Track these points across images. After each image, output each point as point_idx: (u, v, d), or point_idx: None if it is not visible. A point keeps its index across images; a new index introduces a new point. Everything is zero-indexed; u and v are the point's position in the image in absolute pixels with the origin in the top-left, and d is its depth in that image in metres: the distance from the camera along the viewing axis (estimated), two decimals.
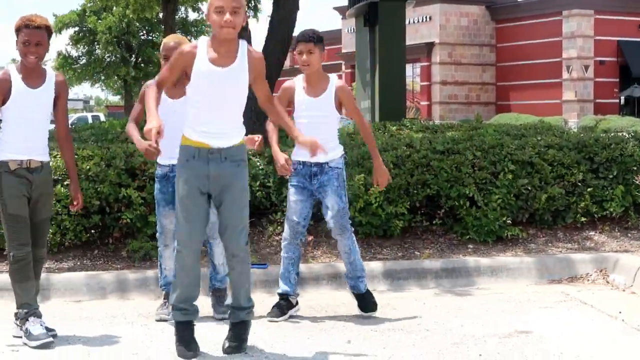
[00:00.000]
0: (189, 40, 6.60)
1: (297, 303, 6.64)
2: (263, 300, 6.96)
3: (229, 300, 5.74)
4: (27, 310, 5.83)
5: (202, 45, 5.32)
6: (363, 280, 6.61)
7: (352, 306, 6.72)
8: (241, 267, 5.49)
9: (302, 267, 7.69)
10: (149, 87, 5.44)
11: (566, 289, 7.55)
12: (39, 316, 5.86)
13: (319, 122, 6.39)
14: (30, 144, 5.82)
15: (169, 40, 6.48)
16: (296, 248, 6.57)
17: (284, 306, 6.52)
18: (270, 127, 6.60)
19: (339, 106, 6.49)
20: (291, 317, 6.50)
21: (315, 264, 7.87)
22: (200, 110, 5.30)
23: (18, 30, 5.80)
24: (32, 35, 5.78)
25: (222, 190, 5.36)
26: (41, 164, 5.89)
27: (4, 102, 5.77)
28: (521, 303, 6.99)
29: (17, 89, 5.77)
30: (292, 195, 6.52)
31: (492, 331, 6.01)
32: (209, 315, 6.49)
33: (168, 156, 6.16)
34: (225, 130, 5.34)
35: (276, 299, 6.62)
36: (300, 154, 6.42)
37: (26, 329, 5.78)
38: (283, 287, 6.58)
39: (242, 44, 5.40)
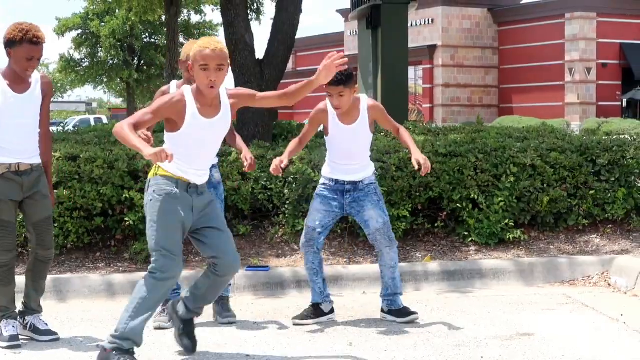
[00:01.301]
0: None
1: (331, 311, 6.56)
2: (264, 304, 6.98)
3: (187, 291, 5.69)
4: (4, 313, 5.89)
5: (189, 96, 5.24)
6: (400, 296, 6.54)
7: (353, 309, 6.73)
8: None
9: (302, 270, 7.71)
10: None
11: (568, 291, 7.56)
12: (14, 318, 5.91)
13: (353, 147, 6.38)
14: (19, 147, 5.81)
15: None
16: (314, 255, 6.47)
17: (312, 312, 6.47)
18: (293, 142, 6.61)
19: (372, 125, 6.45)
20: (319, 323, 6.42)
21: (302, 268, 7.84)
22: (185, 153, 5.23)
23: (18, 42, 5.70)
24: (37, 51, 5.76)
25: (207, 220, 5.41)
26: (31, 166, 5.87)
27: None
28: (523, 305, 6.99)
29: (4, 95, 5.75)
30: (317, 204, 6.45)
31: (494, 333, 6.02)
32: (211, 321, 6.50)
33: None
34: (205, 169, 5.42)
35: (275, 302, 6.63)
36: (334, 173, 6.42)
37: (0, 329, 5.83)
38: (312, 297, 6.56)
39: (222, 91, 5.38)
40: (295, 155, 6.99)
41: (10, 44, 5.74)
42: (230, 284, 6.56)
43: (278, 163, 6.22)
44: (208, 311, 6.49)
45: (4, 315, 5.86)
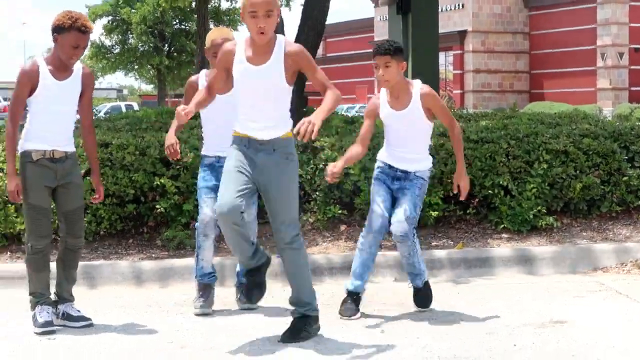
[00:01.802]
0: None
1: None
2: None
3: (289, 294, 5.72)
4: (38, 299, 5.92)
5: (241, 44, 5.41)
6: (422, 276, 6.43)
7: (385, 296, 6.73)
8: (295, 256, 5.53)
9: (334, 257, 7.71)
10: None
11: (601, 278, 7.51)
12: (49, 304, 5.95)
13: (406, 135, 6.24)
14: (54, 135, 5.86)
15: (216, 37, 6.43)
16: (378, 243, 6.38)
17: (355, 302, 6.33)
18: (353, 147, 6.49)
19: (429, 113, 6.23)
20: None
21: (334, 255, 7.85)
22: (242, 106, 5.40)
23: (66, 29, 5.75)
24: (84, 40, 5.84)
25: (269, 182, 5.40)
26: (65, 154, 5.92)
27: (31, 93, 5.81)
28: (555, 293, 6.95)
29: (44, 81, 5.80)
30: (377, 190, 6.33)
31: (526, 321, 5.99)
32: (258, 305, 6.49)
33: (214, 148, 6.33)
34: (268, 123, 5.37)
35: (321, 287, 6.58)
36: (389, 158, 6.31)
37: (34, 314, 5.89)
38: (354, 283, 6.36)
39: (279, 40, 5.40)
40: (355, 161, 6.86)
41: (58, 30, 5.79)
42: None
43: (332, 169, 6.11)
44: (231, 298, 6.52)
45: (39, 301, 5.90)
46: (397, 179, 6.29)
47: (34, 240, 5.83)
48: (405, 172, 6.28)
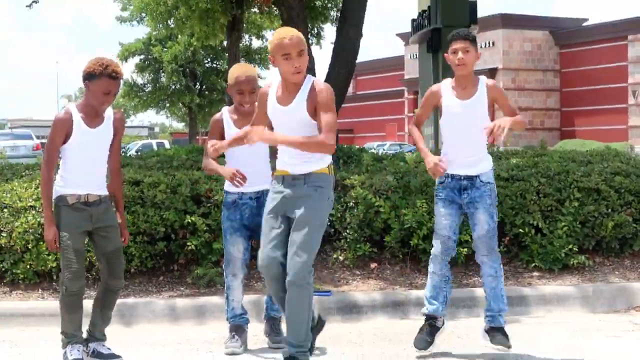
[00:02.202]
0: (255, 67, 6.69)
1: (443, 323, 6.36)
2: (326, 329, 6.95)
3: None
4: (70, 339, 5.94)
5: (275, 83, 5.53)
6: (503, 314, 6.26)
7: (413, 334, 6.70)
8: (296, 294, 5.34)
9: (365, 295, 7.68)
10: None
11: (634, 318, 7.44)
12: (80, 343, 5.96)
13: (470, 127, 6.12)
14: (88, 179, 5.92)
15: (240, 73, 6.42)
16: (447, 265, 6.29)
17: (430, 332, 6.24)
18: (414, 130, 6.51)
19: (491, 107, 6.20)
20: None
21: (361, 293, 7.83)
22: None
23: (97, 76, 5.80)
24: (115, 86, 5.88)
25: (294, 211, 5.41)
26: (99, 197, 5.97)
27: (65, 141, 5.86)
28: (588, 332, 6.89)
29: (78, 128, 5.86)
30: (441, 210, 6.23)
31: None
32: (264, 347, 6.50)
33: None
34: (302, 158, 5.41)
35: (345, 327, 6.55)
36: (450, 167, 6.16)
37: (64, 352, 5.91)
38: (431, 306, 6.28)
39: (308, 80, 5.45)
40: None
41: (89, 77, 5.84)
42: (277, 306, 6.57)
43: (436, 162, 6.13)
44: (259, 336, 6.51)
45: (70, 341, 5.92)
46: (463, 189, 6.16)
47: (70, 282, 5.86)
48: (470, 179, 6.14)
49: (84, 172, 5.90)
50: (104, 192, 6.02)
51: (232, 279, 6.38)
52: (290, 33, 5.35)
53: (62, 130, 5.84)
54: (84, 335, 6.07)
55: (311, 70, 11.07)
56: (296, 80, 5.37)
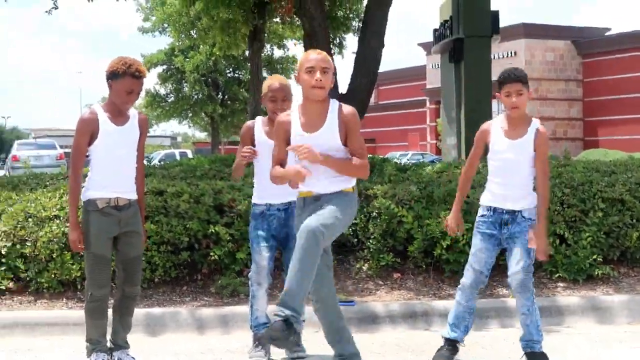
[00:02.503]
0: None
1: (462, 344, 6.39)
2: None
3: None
4: (95, 346, 5.95)
5: (295, 111, 5.49)
6: (539, 343, 6.14)
7: (436, 345, 6.68)
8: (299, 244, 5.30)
9: (389, 305, 7.67)
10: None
11: None
12: (105, 351, 5.97)
13: (513, 166, 6.07)
14: (117, 181, 5.90)
15: (274, 81, 6.45)
16: (475, 296, 6.28)
17: (452, 352, 6.27)
18: (461, 181, 6.52)
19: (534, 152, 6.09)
20: None
21: (389, 302, 7.82)
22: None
23: (121, 75, 5.83)
24: (138, 85, 5.89)
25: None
26: (129, 201, 5.96)
27: (91, 142, 5.87)
28: (612, 343, 6.86)
29: (104, 127, 5.85)
30: (478, 243, 6.19)
31: None
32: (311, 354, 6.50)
33: (265, 197, 6.31)
34: (326, 179, 5.42)
35: (367, 338, 6.54)
36: (492, 200, 6.16)
37: None
38: (452, 333, 6.28)
39: (333, 104, 5.45)
40: (467, 192, 6.74)
41: (112, 76, 5.87)
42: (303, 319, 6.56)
43: (452, 227, 6.40)
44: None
45: (95, 349, 5.93)
46: (504, 224, 6.11)
47: (94, 289, 5.87)
48: (512, 214, 6.09)
49: (112, 173, 5.88)
50: (134, 196, 6.01)
51: (257, 288, 6.38)
52: (317, 50, 5.44)
53: (87, 130, 5.83)
54: (108, 344, 6.09)
55: (333, 81, 11.08)
56: (316, 96, 5.33)
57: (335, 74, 10.71)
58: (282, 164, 5.54)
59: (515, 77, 6.05)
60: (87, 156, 5.94)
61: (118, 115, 5.93)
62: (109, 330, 6.11)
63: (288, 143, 5.48)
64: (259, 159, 6.31)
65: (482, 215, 6.22)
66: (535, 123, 6.12)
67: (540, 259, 6.12)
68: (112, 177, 5.88)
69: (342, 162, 5.40)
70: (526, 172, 6.08)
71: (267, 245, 6.31)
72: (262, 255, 6.31)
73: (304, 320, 5.47)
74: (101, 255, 5.85)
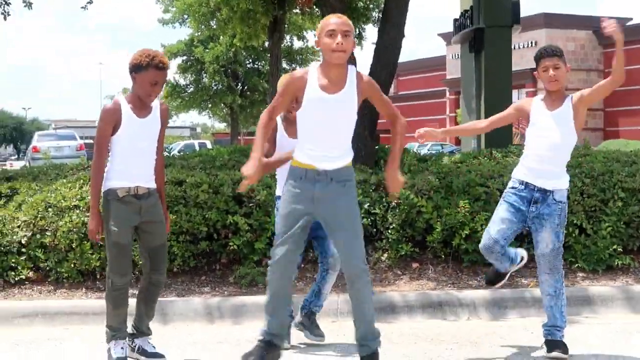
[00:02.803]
0: (294, 70, 6.66)
1: (522, 259, 6.44)
2: None
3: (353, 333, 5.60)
4: (115, 332, 5.94)
5: (313, 72, 5.37)
6: (561, 330, 6.09)
7: (458, 335, 6.66)
8: (360, 290, 5.34)
9: (408, 294, 7.66)
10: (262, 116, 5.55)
11: None
12: (124, 338, 5.98)
13: (553, 138, 6.03)
14: (138, 171, 5.92)
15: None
16: (503, 249, 6.16)
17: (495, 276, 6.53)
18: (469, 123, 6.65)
19: (577, 121, 6.09)
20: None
21: (409, 292, 7.81)
22: (309, 134, 5.34)
23: (144, 67, 5.83)
24: (162, 76, 5.89)
25: (330, 213, 5.34)
26: (148, 190, 5.97)
27: (114, 132, 5.89)
28: (632, 334, 6.83)
29: (127, 118, 5.86)
30: (502, 213, 6.13)
31: None
32: (327, 343, 6.51)
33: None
34: (333, 153, 5.34)
35: (386, 327, 6.54)
36: (526, 174, 6.09)
37: (108, 348, 5.93)
38: (500, 266, 6.38)
39: (351, 69, 5.39)
40: (470, 133, 6.84)
41: (136, 69, 5.88)
42: (321, 303, 6.63)
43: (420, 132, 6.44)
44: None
45: (115, 335, 5.95)
46: (534, 202, 6.06)
47: (116, 277, 5.89)
48: (543, 192, 6.04)
49: (133, 164, 5.90)
50: (153, 185, 6.02)
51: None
52: (338, 15, 5.37)
53: (111, 120, 5.84)
54: (130, 330, 6.12)
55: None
56: (336, 59, 5.25)
57: (354, 64, 10.69)
58: (274, 116, 5.48)
59: (550, 52, 6.10)
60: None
61: (141, 107, 5.94)
62: (131, 318, 6.13)
63: (293, 101, 5.43)
64: (281, 153, 6.30)
65: (512, 187, 6.17)
66: (572, 96, 6.14)
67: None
68: (132, 168, 5.90)
69: (398, 153, 5.57)
70: (565, 148, 6.07)
71: None
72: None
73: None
74: (122, 244, 5.86)
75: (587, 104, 6.14)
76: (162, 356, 6.07)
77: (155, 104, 6.04)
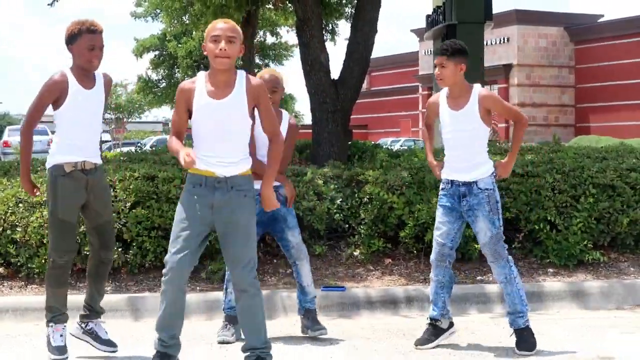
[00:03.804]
0: (266, 66, 6.67)
1: (450, 325, 6.36)
2: (340, 324, 6.97)
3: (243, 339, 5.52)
4: (54, 314, 5.90)
5: (201, 79, 5.31)
6: (524, 315, 6.13)
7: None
8: (251, 302, 5.27)
9: (378, 291, 7.68)
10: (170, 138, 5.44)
11: None
12: (64, 321, 5.93)
13: (462, 136, 6.12)
14: (84, 145, 5.86)
15: (264, 73, 6.59)
16: (445, 270, 6.28)
17: (432, 333, 6.30)
18: (425, 135, 6.67)
19: (486, 116, 6.12)
20: (439, 345, 6.30)
21: (373, 289, 7.83)
22: (203, 141, 5.27)
23: (77, 34, 5.80)
24: (97, 40, 5.84)
25: (226, 223, 5.26)
26: (95, 165, 5.91)
27: (59, 104, 5.79)
28: (603, 328, 6.87)
29: (74, 90, 5.80)
30: (440, 217, 6.25)
31: (574, 356, 5.93)
32: (299, 336, 6.52)
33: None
34: (227, 159, 5.24)
35: (357, 323, 6.56)
36: (450, 173, 6.21)
37: (48, 336, 5.89)
38: (431, 311, 6.36)
39: (240, 74, 5.32)
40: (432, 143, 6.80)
41: (70, 39, 5.85)
42: (315, 299, 6.68)
43: (438, 174, 6.40)
44: (289, 328, 6.51)
45: (54, 316, 5.89)
46: (463, 196, 6.15)
47: (58, 255, 5.83)
48: (468, 185, 6.12)
49: (80, 137, 5.83)
50: (99, 160, 5.97)
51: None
52: (225, 20, 5.32)
53: (56, 90, 5.77)
54: (82, 312, 6.08)
55: (326, 67, 11.04)
56: (219, 65, 5.18)
57: (327, 60, 10.67)
58: (180, 133, 5.39)
59: (439, 51, 6.16)
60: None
61: (85, 78, 5.87)
62: (81, 298, 6.08)
63: (189, 111, 5.31)
64: (257, 147, 6.32)
65: (442, 189, 6.31)
66: (476, 90, 6.14)
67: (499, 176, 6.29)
68: (79, 141, 5.83)
69: (273, 173, 5.38)
70: (475, 140, 6.14)
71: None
72: None
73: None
74: (68, 221, 5.80)
75: (491, 109, 6.19)
76: (114, 345, 6.05)
77: (99, 74, 5.98)
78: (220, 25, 5.24)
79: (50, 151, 5.89)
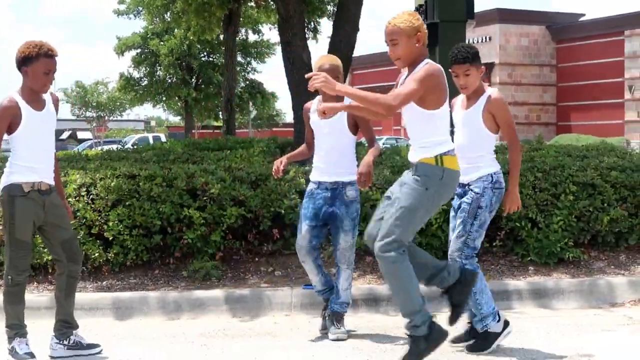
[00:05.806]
0: (248, 64, 6.71)
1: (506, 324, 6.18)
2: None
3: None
4: (16, 330, 5.94)
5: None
6: (485, 319, 6.06)
7: (387, 327, 6.68)
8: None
9: (361, 289, 7.68)
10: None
11: (629, 312, 7.44)
12: (25, 335, 5.96)
13: (460, 140, 6.05)
14: (40, 166, 5.90)
15: (324, 62, 6.62)
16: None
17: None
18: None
19: (490, 121, 6.05)
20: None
21: (356, 287, 7.84)
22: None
23: (34, 57, 5.78)
24: (53, 65, 5.87)
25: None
26: (49, 187, 5.97)
27: (13, 129, 5.81)
28: (583, 326, 6.90)
29: (26, 114, 5.82)
30: (452, 220, 6.18)
31: (553, 355, 5.95)
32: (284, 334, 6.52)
33: (316, 175, 6.58)
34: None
35: (344, 319, 6.60)
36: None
37: (12, 347, 5.91)
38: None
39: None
40: None
41: (25, 61, 5.83)
42: (348, 303, 6.69)
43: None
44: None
45: (17, 333, 5.93)
46: (459, 196, 6.13)
47: (16, 273, 5.88)
48: (466, 186, 6.07)
49: (36, 159, 5.87)
50: (52, 181, 6.02)
51: (303, 264, 6.65)
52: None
53: (8, 116, 5.78)
54: (60, 330, 6.11)
55: (307, 65, 11.05)
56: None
57: (309, 58, 10.66)
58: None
59: (461, 59, 6.02)
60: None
61: (36, 100, 5.90)
62: (49, 313, 6.10)
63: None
64: (316, 138, 6.62)
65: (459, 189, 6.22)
66: (488, 92, 6.08)
67: (507, 211, 6.29)
68: (35, 163, 5.87)
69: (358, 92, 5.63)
70: (470, 144, 6.07)
71: (309, 224, 6.47)
72: (302, 235, 6.50)
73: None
74: (25, 241, 5.87)
75: (494, 115, 6.09)
76: (97, 345, 6.11)
77: (47, 95, 6.00)
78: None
79: (5, 171, 5.91)
